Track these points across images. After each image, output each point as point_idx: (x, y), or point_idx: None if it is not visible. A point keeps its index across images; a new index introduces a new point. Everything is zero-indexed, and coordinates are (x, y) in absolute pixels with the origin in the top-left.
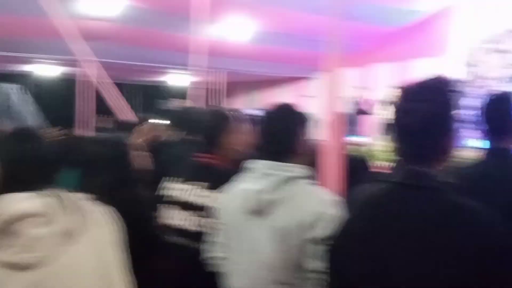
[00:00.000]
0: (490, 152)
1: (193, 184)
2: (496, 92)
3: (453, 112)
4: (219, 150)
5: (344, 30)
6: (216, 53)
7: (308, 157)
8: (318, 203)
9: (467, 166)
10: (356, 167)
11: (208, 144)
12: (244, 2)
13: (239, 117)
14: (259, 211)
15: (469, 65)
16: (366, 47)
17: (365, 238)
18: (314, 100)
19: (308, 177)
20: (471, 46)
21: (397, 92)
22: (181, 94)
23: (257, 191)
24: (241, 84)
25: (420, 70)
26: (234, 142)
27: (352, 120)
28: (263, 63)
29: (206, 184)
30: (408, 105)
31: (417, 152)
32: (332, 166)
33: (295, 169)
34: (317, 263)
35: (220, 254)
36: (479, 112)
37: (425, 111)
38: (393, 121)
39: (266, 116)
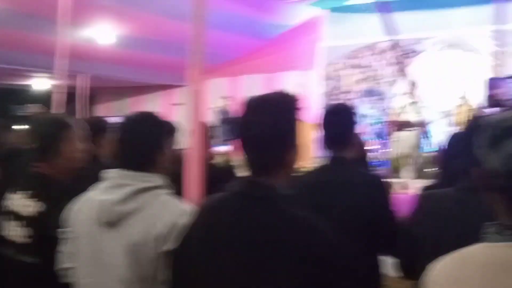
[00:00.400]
0: (328, 161)
1: (22, 194)
2: (333, 104)
3: (294, 125)
4: (54, 159)
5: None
6: (81, 56)
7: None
8: (172, 214)
9: (307, 174)
10: (222, 177)
11: (43, 152)
12: (111, 6)
13: (79, 125)
14: (112, 222)
15: (330, 78)
16: (236, 58)
17: (201, 247)
18: (184, 108)
19: (165, 187)
20: (332, 60)
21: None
22: (45, 98)
23: (110, 202)
24: (110, 90)
25: (287, 82)
26: (71, 151)
27: (220, 129)
28: (133, 69)
29: (31, 193)
30: (250, 118)
31: (259, 163)
32: (196, 175)
33: (151, 179)
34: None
35: (68, 265)
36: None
37: (266, 124)
38: (238, 133)
39: (122, 125)
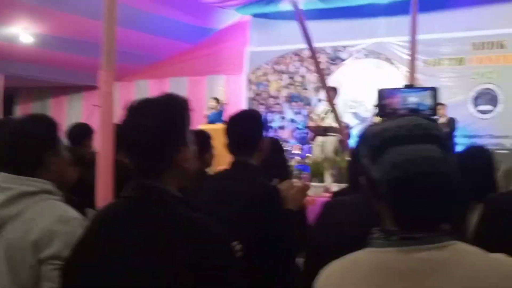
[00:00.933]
0: (231, 165)
1: None
2: (238, 111)
3: (182, 127)
4: None
5: (139, 42)
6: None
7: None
8: (51, 220)
9: (209, 179)
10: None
11: None
12: (29, 5)
13: None
14: None
15: (257, 83)
16: (163, 60)
17: (93, 256)
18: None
19: (53, 192)
20: (260, 65)
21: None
22: None
23: None
24: (30, 90)
25: (214, 85)
26: None
27: None
28: (52, 69)
29: None
30: (130, 121)
31: (144, 166)
32: (106, 178)
33: (35, 183)
34: (49, 284)
35: None
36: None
37: (145, 126)
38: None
39: (4, 127)
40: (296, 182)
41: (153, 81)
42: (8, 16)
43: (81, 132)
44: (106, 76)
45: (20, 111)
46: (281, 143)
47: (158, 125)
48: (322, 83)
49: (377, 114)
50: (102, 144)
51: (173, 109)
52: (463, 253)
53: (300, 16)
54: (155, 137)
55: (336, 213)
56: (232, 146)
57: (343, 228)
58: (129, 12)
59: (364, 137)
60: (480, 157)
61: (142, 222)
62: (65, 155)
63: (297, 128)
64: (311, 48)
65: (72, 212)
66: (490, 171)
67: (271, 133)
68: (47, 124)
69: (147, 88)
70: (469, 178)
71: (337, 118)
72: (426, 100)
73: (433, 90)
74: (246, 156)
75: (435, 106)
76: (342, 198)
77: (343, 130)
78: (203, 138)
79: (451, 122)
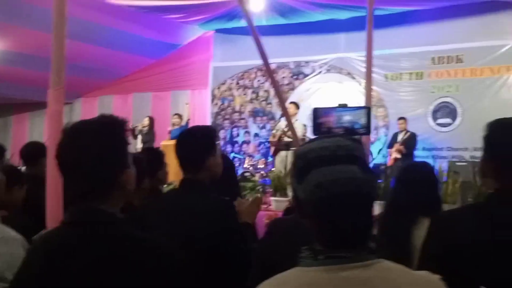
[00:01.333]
0: (180, 183)
1: None
2: (188, 128)
3: (121, 148)
4: None
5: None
6: None
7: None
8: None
9: (162, 196)
10: None
11: None
12: None
13: None
14: None
15: (222, 98)
16: (127, 76)
17: (42, 283)
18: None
19: None
20: (225, 80)
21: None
22: None
23: None
24: None
25: (178, 101)
26: None
27: None
28: (10, 85)
29: None
30: (74, 142)
31: (89, 189)
32: (54, 197)
33: None
34: None
35: None
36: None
37: (82, 148)
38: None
39: None
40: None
41: (117, 97)
42: None
43: (35, 152)
44: (55, 94)
45: None
46: (232, 159)
47: (102, 147)
48: (279, 98)
49: (313, 133)
50: (51, 164)
51: (115, 130)
52: (387, 271)
53: (254, 32)
54: (100, 159)
55: (279, 231)
56: (181, 164)
57: (285, 246)
58: (92, 28)
59: (292, 158)
60: (422, 172)
61: (91, 247)
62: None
63: (262, 142)
64: (266, 63)
65: (11, 233)
66: (432, 186)
67: (236, 148)
68: None
69: (111, 104)
70: (412, 193)
71: (293, 133)
72: (360, 119)
73: (367, 109)
74: (194, 174)
75: (369, 124)
76: (288, 216)
77: (299, 143)
78: (156, 155)
79: (412, 137)
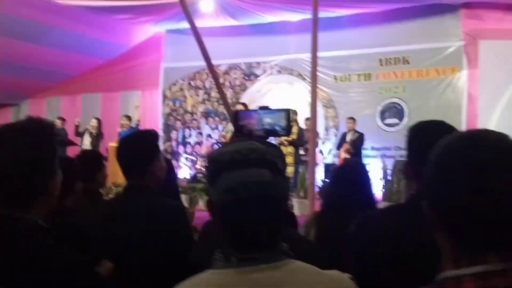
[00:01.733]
0: (124, 189)
1: None
2: (131, 133)
3: (48, 153)
4: None
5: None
6: None
7: None
8: None
9: (107, 204)
10: None
11: None
12: None
13: None
14: None
15: (174, 98)
16: (75, 76)
17: None
18: None
19: None
20: (176, 81)
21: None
22: None
23: None
24: None
25: (129, 101)
26: None
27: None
28: None
29: None
30: None
31: (13, 196)
32: None
33: None
34: None
35: None
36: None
37: (17, 154)
38: None
39: None
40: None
41: (65, 98)
42: None
43: None
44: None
45: None
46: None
47: (28, 153)
48: (223, 99)
49: (235, 135)
50: None
51: (40, 135)
52: (296, 271)
53: (197, 33)
54: (25, 166)
55: (210, 233)
56: (124, 170)
57: (214, 249)
58: (40, 28)
59: (207, 160)
60: (353, 172)
61: (8, 257)
62: None
63: (215, 143)
64: (209, 64)
65: None
66: (364, 185)
67: (188, 149)
68: None
69: (59, 105)
70: (344, 192)
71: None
72: (280, 121)
73: (286, 111)
74: (139, 179)
75: (289, 127)
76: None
77: None
78: (95, 157)
79: (360, 137)
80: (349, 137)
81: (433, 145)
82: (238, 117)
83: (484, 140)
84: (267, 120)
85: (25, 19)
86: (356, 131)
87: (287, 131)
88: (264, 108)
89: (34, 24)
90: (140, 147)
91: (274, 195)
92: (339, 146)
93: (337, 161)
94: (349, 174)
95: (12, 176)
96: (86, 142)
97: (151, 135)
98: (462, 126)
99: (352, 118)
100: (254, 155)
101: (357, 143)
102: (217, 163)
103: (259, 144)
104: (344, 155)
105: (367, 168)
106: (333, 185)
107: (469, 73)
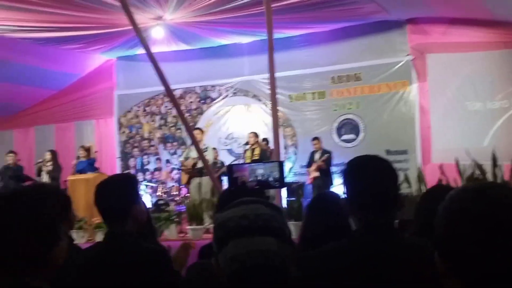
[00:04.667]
0: (105, 236)
1: None
2: (106, 178)
3: (55, 223)
4: None
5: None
6: None
7: None
8: None
9: (84, 254)
10: None
11: None
12: None
13: None
14: None
15: (129, 126)
16: (27, 109)
17: None
18: None
19: None
20: (131, 107)
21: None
22: None
23: None
24: None
25: (83, 131)
26: None
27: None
28: None
29: None
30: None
31: (15, 265)
32: None
33: None
34: None
35: None
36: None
37: (21, 226)
38: None
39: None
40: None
41: (17, 131)
42: None
43: None
44: None
45: None
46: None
47: (31, 225)
48: (186, 126)
49: (229, 188)
50: None
51: (46, 205)
52: None
53: (152, 58)
54: (32, 234)
55: (196, 279)
56: (104, 215)
57: None
58: None
59: (214, 224)
60: (329, 202)
61: None
62: None
63: (174, 168)
64: (167, 89)
65: None
66: (338, 217)
67: (148, 176)
68: None
69: (11, 139)
70: (321, 223)
71: (203, 160)
72: (273, 172)
73: (279, 163)
74: (121, 225)
75: (282, 178)
76: (204, 261)
77: (210, 170)
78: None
79: (328, 158)
80: (317, 156)
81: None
82: (231, 170)
83: (491, 195)
84: (260, 171)
85: None
86: (324, 150)
87: (281, 182)
88: (256, 161)
89: None
90: (119, 191)
91: (275, 264)
92: (308, 165)
93: (307, 180)
94: (324, 204)
95: (20, 245)
96: (45, 178)
97: (130, 178)
98: (416, 138)
99: (317, 138)
100: (260, 222)
101: (328, 161)
102: (224, 229)
103: (265, 208)
104: (314, 174)
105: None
106: (309, 215)
107: (419, 86)
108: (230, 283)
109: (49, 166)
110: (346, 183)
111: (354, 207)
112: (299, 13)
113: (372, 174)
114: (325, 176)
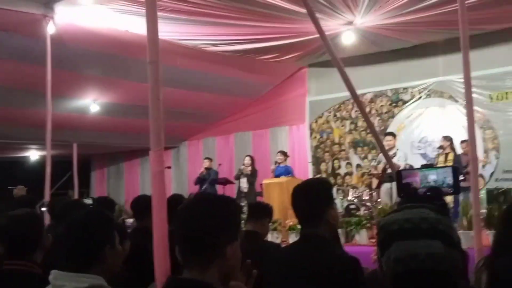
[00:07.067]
0: (301, 237)
1: None
2: (306, 181)
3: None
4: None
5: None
6: (70, 126)
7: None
8: None
9: (281, 251)
10: None
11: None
12: (93, 76)
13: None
14: None
15: (316, 132)
16: (227, 117)
17: None
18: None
19: (101, 287)
20: (319, 113)
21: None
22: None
23: None
24: (105, 156)
25: (278, 137)
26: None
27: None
28: (118, 135)
29: None
30: (189, 216)
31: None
32: (160, 251)
33: (85, 279)
34: None
35: None
36: None
37: (205, 222)
38: None
39: (67, 222)
40: None
41: (219, 138)
42: (81, 89)
43: (144, 205)
44: (155, 156)
45: (96, 176)
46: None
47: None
48: (370, 129)
49: (398, 195)
50: (156, 219)
51: (228, 208)
52: None
53: (338, 64)
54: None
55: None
56: (299, 217)
57: None
58: (193, 75)
59: (377, 228)
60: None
61: None
62: (119, 248)
63: (365, 173)
64: (353, 94)
65: None
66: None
67: (339, 180)
68: (106, 219)
69: (214, 145)
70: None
71: (391, 166)
72: (446, 178)
73: (454, 168)
74: (315, 227)
75: (457, 184)
76: None
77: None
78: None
79: None
80: None
81: None
82: (400, 176)
83: None
84: (432, 177)
85: (180, 68)
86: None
87: (455, 188)
88: (427, 166)
89: (188, 72)
90: (315, 196)
91: (443, 269)
92: None
93: None
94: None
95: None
96: (243, 182)
97: (325, 183)
98: None
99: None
100: (425, 225)
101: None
102: (387, 232)
103: (430, 211)
104: None
105: None
106: (505, 223)
107: None
108: (394, 285)
109: (248, 171)
110: None
111: None
112: (495, 8)
113: None
114: None
